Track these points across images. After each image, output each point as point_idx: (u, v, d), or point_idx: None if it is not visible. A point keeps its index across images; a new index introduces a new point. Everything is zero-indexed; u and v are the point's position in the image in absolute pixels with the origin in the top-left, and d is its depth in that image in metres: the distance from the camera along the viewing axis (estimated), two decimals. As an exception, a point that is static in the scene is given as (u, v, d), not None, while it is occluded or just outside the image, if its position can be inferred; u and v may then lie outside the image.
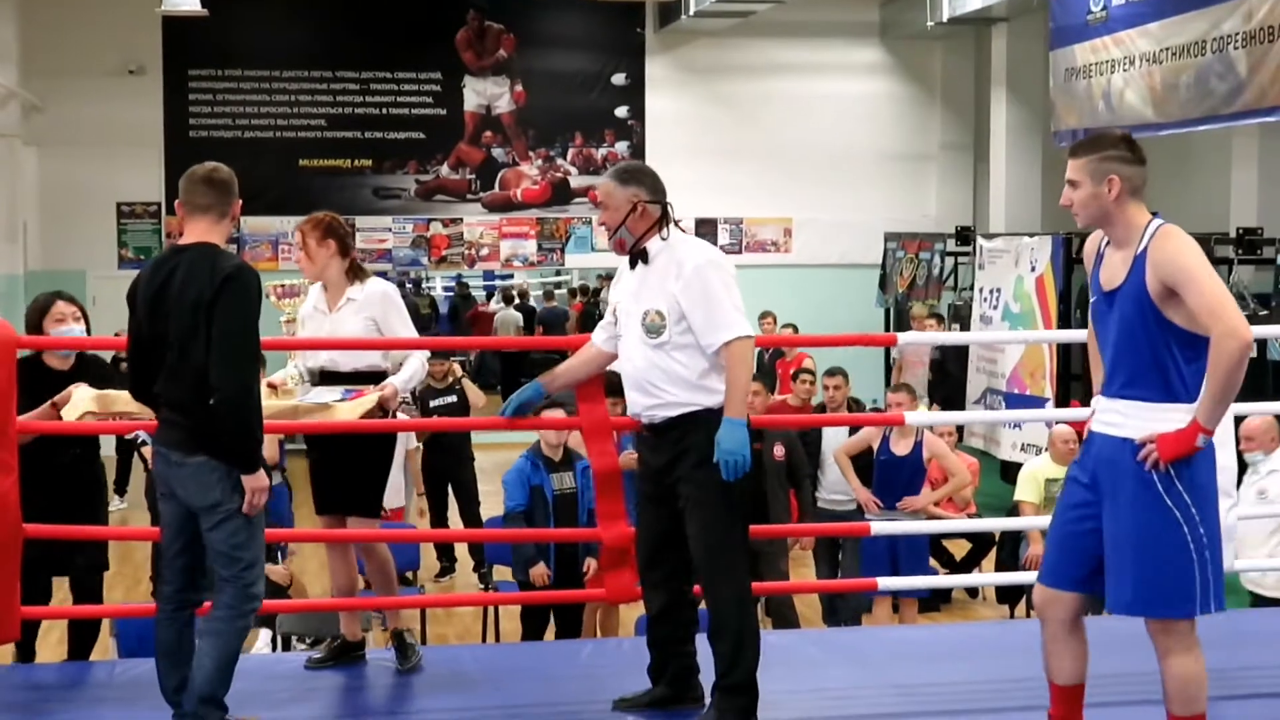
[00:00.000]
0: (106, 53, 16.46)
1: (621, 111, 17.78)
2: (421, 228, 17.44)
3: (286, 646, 7.13)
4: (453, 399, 10.69)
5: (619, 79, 17.74)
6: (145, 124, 16.57)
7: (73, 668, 5.40)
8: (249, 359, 4.41)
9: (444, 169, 17.44)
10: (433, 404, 10.70)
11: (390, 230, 17.31)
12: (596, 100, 17.71)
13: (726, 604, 4.59)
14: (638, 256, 4.71)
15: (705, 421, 4.57)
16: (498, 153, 17.58)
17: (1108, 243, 4.18)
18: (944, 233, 16.14)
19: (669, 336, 4.58)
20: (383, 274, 13.21)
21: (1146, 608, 4.04)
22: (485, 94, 17.51)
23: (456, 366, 10.98)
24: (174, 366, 4.41)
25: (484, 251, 17.66)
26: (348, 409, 5.21)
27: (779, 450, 8.36)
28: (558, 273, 24.25)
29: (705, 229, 17.51)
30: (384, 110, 17.27)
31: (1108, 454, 4.09)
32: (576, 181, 17.73)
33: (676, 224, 4.74)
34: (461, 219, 17.50)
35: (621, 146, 17.75)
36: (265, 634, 7.95)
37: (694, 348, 4.59)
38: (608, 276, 23.93)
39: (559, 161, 17.72)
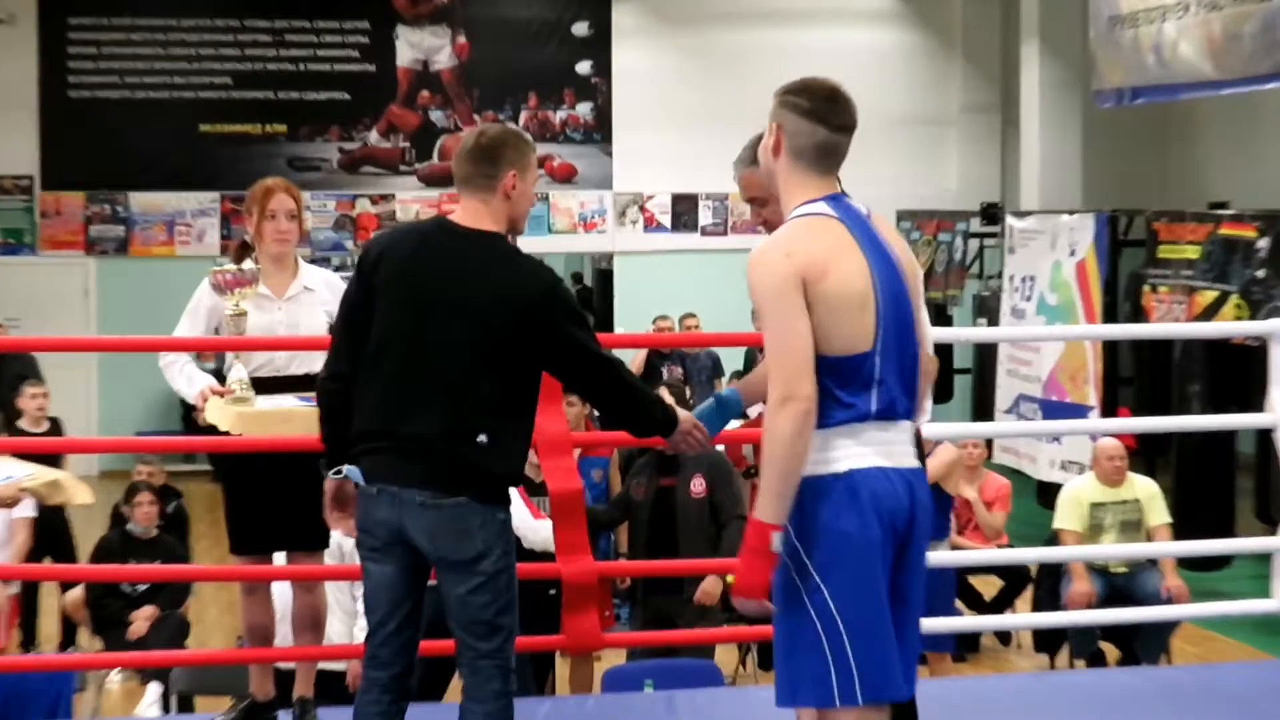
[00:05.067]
0: (-32, -3, 16.41)
1: (584, 67, 17.77)
2: (346, 205, 17.39)
3: (182, 707, 7.09)
4: None
5: (580, 29, 17.74)
6: (15, 82, 16.41)
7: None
8: (607, 358, 4.36)
9: (372, 135, 17.40)
10: None
11: (309, 209, 17.18)
12: (554, 54, 17.69)
13: None
14: None
15: None
16: (436, 116, 17.55)
17: None
18: (967, 210, 16.18)
19: None
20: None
21: (780, 694, 3.76)
22: (421, 47, 17.48)
23: None
24: (431, 385, 4.17)
25: (421, 234, 17.60)
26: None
27: (698, 484, 7.91)
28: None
29: (684, 206, 17.51)
30: (301, 66, 17.22)
31: None
32: (531, 150, 17.70)
33: None
34: (394, 195, 17.46)
35: (584, 109, 17.74)
36: (155, 689, 7.87)
37: None
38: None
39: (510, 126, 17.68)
